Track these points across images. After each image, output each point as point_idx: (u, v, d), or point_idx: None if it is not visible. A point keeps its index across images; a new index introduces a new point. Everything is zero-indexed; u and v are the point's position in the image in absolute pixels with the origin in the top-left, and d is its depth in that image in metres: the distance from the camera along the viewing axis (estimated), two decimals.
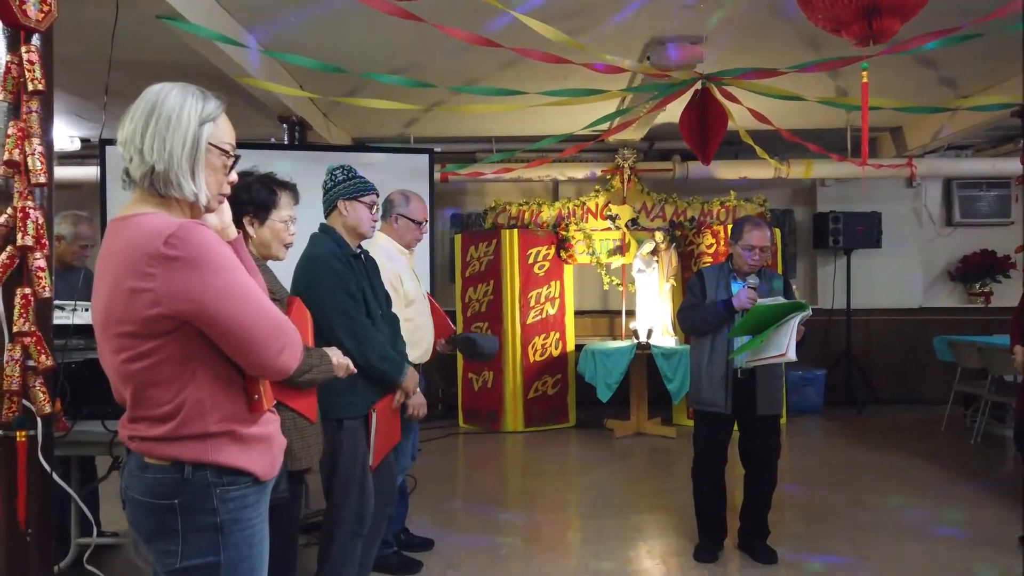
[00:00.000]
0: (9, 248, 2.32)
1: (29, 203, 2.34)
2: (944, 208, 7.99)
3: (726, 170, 7.22)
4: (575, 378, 6.75)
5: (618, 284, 7.06)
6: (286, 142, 5.95)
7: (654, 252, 6.58)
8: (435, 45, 4.63)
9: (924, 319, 7.73)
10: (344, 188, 2.82)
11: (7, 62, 2.35)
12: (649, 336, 6.43)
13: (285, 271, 2.62)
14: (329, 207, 2.86)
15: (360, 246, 2.91)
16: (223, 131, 1.56)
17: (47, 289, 2.37)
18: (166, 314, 1.41)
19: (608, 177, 7.07)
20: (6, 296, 2.33)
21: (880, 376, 7.65)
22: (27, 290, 2.34)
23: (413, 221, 3.42)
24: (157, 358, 1.45)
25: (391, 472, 3.06)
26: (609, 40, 4.60)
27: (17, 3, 2.29)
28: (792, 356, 3.18)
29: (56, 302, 2.59)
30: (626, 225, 6.88)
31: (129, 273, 1.42)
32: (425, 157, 6.18)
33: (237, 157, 1.61)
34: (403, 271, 3.35)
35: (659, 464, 5.60)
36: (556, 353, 6.78)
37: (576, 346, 6.83)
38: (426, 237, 3.61)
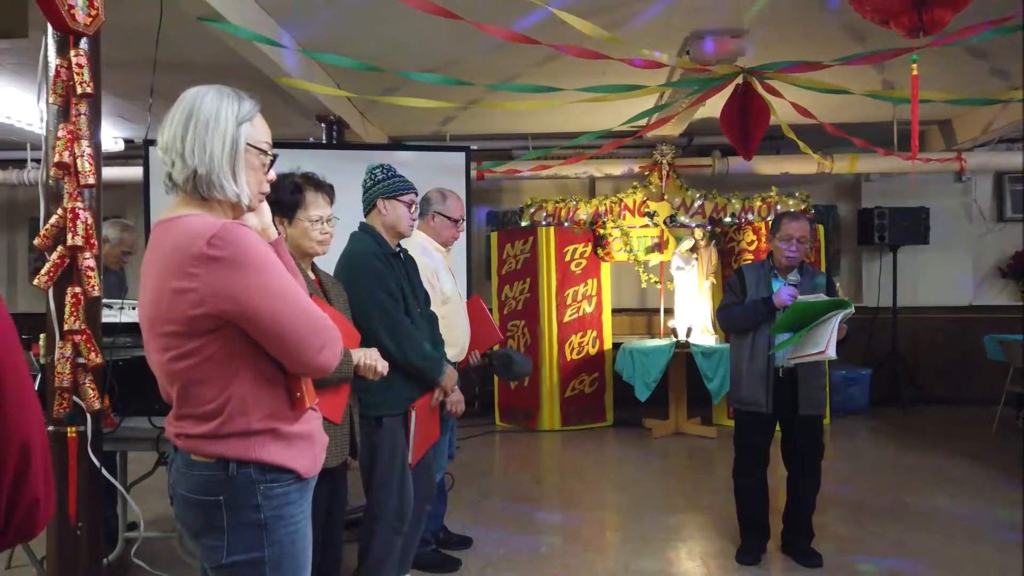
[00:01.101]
0: (60, 248, 2.38)
1: (78, 204, 2.39)
2: (995, 203, 7.75)
3: (767, 165, 7.10)
4: (612, 377, 6.71)
5: (656, 282, 6.99)
6: (324, 141, 6.00)
7: (693, 249, 6.51)
8: (471, 43, 4.63)
9: (974, 317, 7.52)
10: (383, 187, 2.84)
11: (57, 66, 2.40)
12: (688, 334, 6.36)
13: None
14: (368, 206, 2.88)
15: (399, 244, 2.92)
16: (260, 131, 1.58)
17: (96, 288, 2.42)
18: (209, 313, 1.43)
19: (646, 173, 7.00)
20: (57, 295, 2.38)
21: (927, 376, 7.46)
22: (77, 289, 2.39)
23: (450, 219, 3.43)
24: (201, 357, 1.47)
25: (430, 470, 3.07)
26: (647, 34, 4.55)
27: (66, 8, 2.34)
28: (832, 354, 3.13)
29: (104, 300, 2.65)
30: (664, 222, 6.80)
31: (174, 274, 1.44)
32: (461, 155, 6.18)
33: (275, 156, 1.62)
34: (440, 268, 3.36)
35: (699, 464, 5.53)
36: (593, 351, 6.74)
37: (613, 344, 6.78)
38: (462, 235, 3.61)
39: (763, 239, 6.43)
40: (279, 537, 1.55)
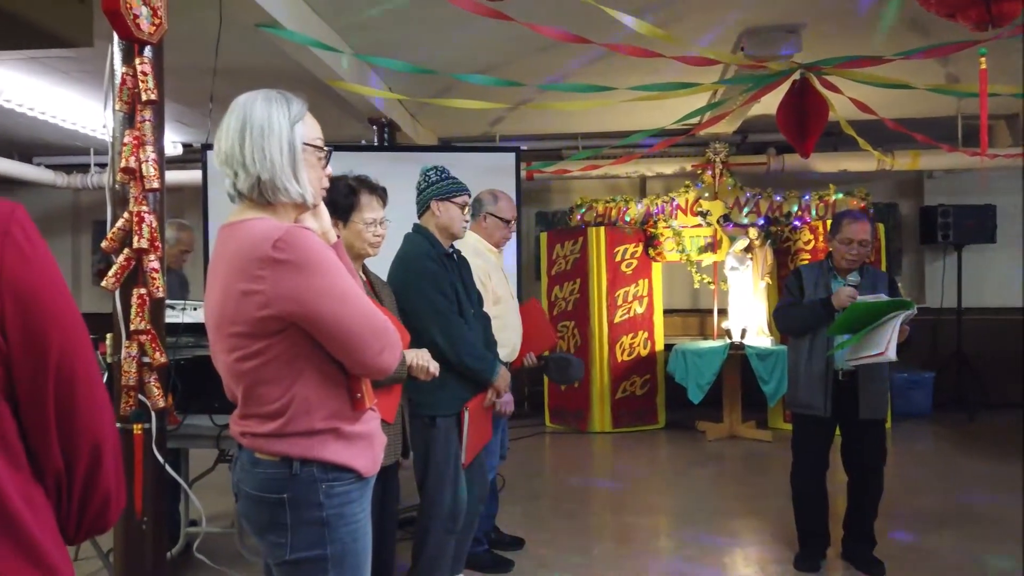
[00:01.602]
0: (126, 251, 2.44)
1: (144, 207, 2.46)
2: None
3: (825, 163, 6.93)
4: (664, 378, 6.63)
5: (709, 282, 6.88)
6: (375, 143, 6.07)
7: (748, 249, 6.38)
8: (522, 43, 4.63)
9: None
10: (437, 189, 2.85)
11: (123, 74, 2.47)
12: (743, 336, 6.25)
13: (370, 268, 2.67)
14: (422, 207, 2.90)
15: (452, 245, 2.93)
16: (312, 128, 1.61)
17: (160, 289, 2.49)
18: (275, 315, 1.46)
19: (699, 172, 6.91)
20: (123, 296, 2.45)
21: (994, 379, 7.18)
22: (142, 290, 2.45)
23: (502, 219, 3.43)
24: (266, 357, 1.49)
25: (483, 470, 3.08)
26: (701, 31, 4.49)
27: (132, 18, 2.41)
28: (892, 356, 3.03)
29: (167, 301, 2.72)
30: (718, 221, 6.70)
31: (240, 276, 1.47)
32: (511, 155, 6.18)
33: (330, 150, 1.65)
34: (492, 269, 3.37)
35: (754, 468, 5.43)
36: (644, 353, 6.67)
37: (665, 346, 6.70)
38: (512, 236, 3.61)
39: (820, 238, 6.27)
40: (340, 535, 1.57)
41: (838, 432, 3.47)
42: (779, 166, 7.03)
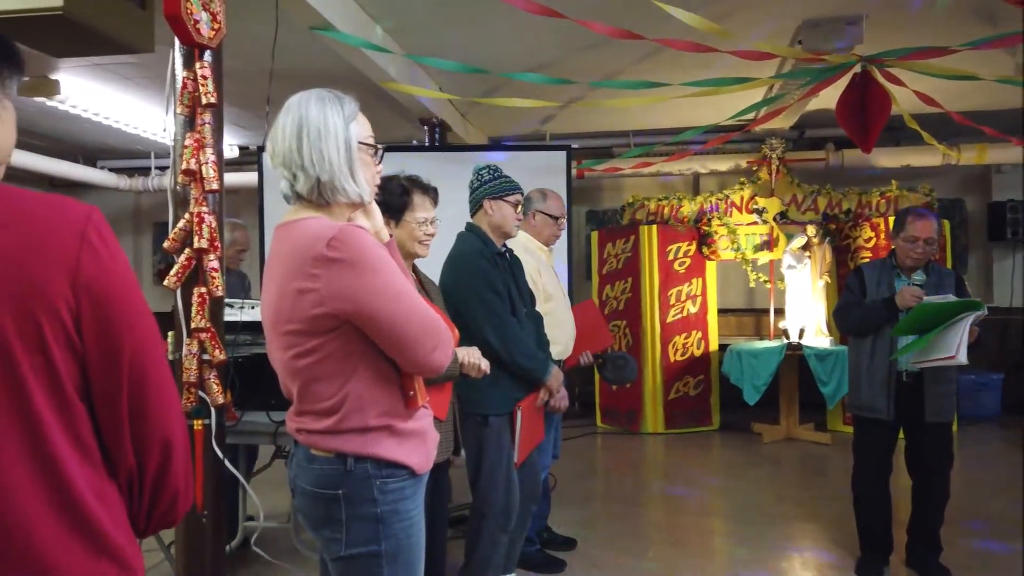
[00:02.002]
0: (187, 251, 2.50)
1: (204, 208, 2.51)
2: None
3: (887, 158, 6.72)
4: (718, 379, 6.51)
5: (766, 281, 6.73)
6: (426, 143, 6.11)
7: (806, 247, 6.22)
8: (572, 40, 4.59)
9: None
10: (490, 188, 2.86)
11: (184, 78, 2.53)
12: (801, 336, 6.10)
13: (422, 267, 2.68)
14: (475, 206, 2.90)
15: (505, 244, 2.93)
16: (364, 126, 1.62)
17: (219, 288, 2.54)
18: (329, 313, 1.47)
19: (754, 169, 6.77)
20: (184, 295, 2.51)
21: None
22: (203, 289, 2.51)
23: (551, 217, 3.43)
24: (321, 355, 1.51)
25: (535, 469, 3.07)
26: (756, 25, 4.39)
27: (192, 23, 2.46)
28: (963, 359, 2.91)
29: (226, 300, 2.77)
30: (774, 219, 6.54)
31: (295, 275, 1.48)
32: (562, 154, 6.15)
33: (383, 147, 1.66)
34: (542, 266, 3.36)
35: (813, 471, 5.30)
36: (698, 353, 6.57)
37: (720, 346, 6.58)
38: (563, 235, 3.60)
39: (882, 236, 6.09)
40: (395, 531, 1.58)
41: (901, 435, 3.36)
42: (838, 162, 6.84)
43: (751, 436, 6.24)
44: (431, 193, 2.47)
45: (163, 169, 7.51)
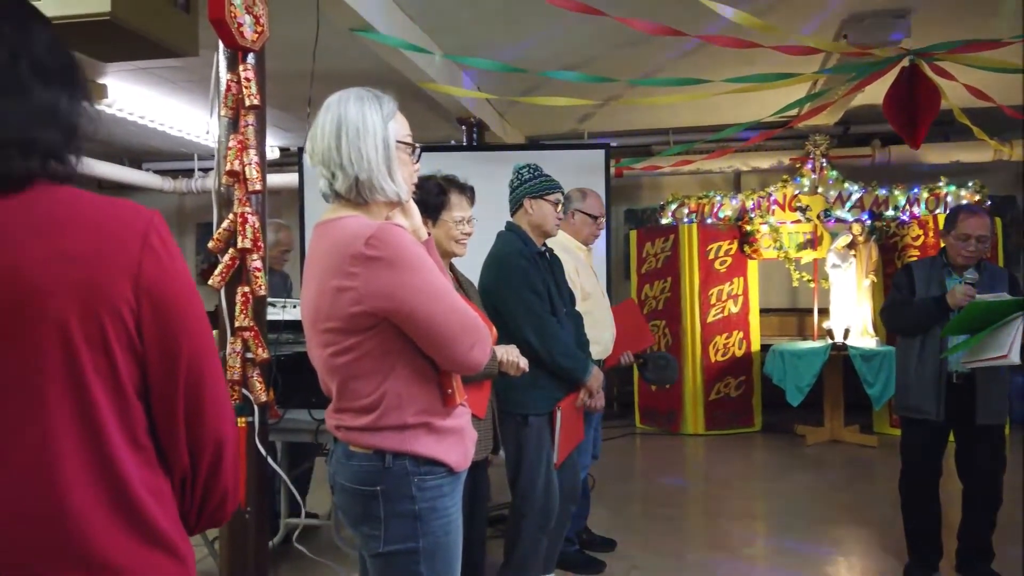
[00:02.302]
0: (231, 250, 2.54)
1: (247, 209, 2.55)
2: None
3: (935, 154, 6.54)
4: (760, 380, 6.41)
5: (809, 280, 6.60)
6: (464, 143, 6.13)
7: (851, 245, 6.09)
8: (611, 38, 4.56)
9: None
10: (530, 187, 2.85)
11: (228, 81, 2.56)
12: (846, 336, 5.98)
13: (460, 267, 2.68)
14: (515, 205, 2.90)
15: (545, 244, 2.92)
16: (402, 125, 1.62)
17: (262, 287, 2.57)
18: (367, 311, 1.48)
19: (797, 166, 6.64)
20: (228, 294, 2.55)
21: None
22: (246, 288, 2.54)
23: (590, 216, 3.41)
24: (360, 352, 1.52)
25: (575, 469, 3.05)
26: (800, 19, 4.31)
27: (236, 26, 2.50)
28: (1015, 359, 2.83)
29: (268, 299, 2.81)
30: (818, 217, 6.41)
31: (334, 273, 1.49)
32: (600, 152, 6.11)
33: (420, 146, 1.66)
34: (580, 265, 3.34)
35: (859, 475, 5.18)
36: (739, 353, 6.48)
37: (762, 346, 6.48)
38: (601, 234, 3.57)
39: (931, 234, 5.93)
40: (433, 528, 1.58)
41: (951, 438, 3.27)
42: (885, 158, 6.69)
43: (794, 438, 6.12)
44: (468, 192, 2.48)
45: (206, 171, 7.65)
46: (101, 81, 5.22)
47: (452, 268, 2.61)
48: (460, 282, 2.61)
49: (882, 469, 5.08)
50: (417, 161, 1.67)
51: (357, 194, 1.56)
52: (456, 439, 1.63)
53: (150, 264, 0.92)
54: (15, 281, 0.86)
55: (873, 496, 4.50)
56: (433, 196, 2.40)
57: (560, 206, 2.91)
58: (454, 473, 1.62)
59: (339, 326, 1.51)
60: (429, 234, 1.77)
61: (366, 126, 1.54)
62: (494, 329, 2.40)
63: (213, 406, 0.99)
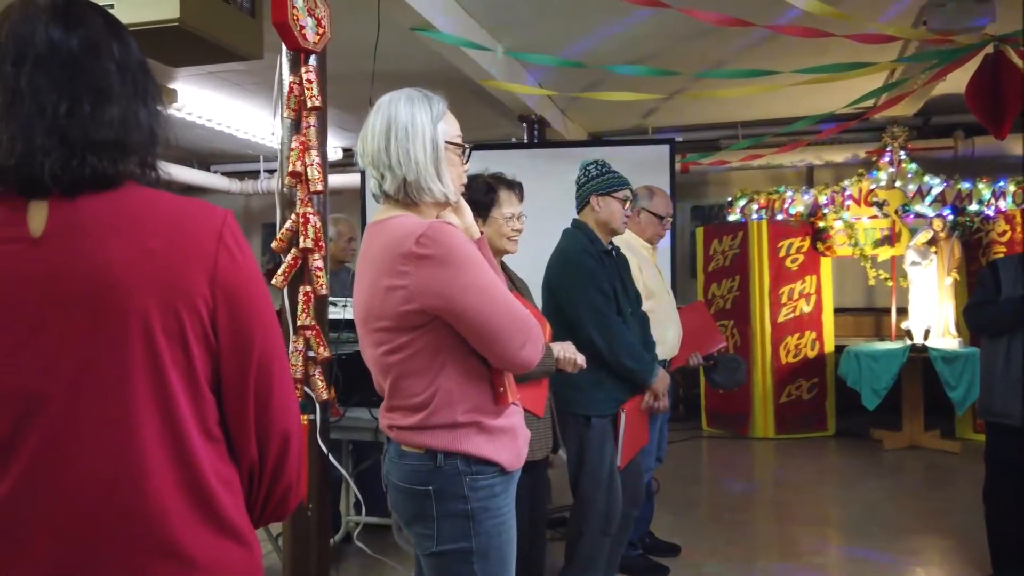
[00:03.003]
0: (293, 250, 2.57)
1: (309, 209, 2.58)
2: None
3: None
4: (834, 382, 6.18)
5: (887, 279, 6.33)
6: (525, 141, 6.10)
7: (931, 242, 5.80)
8: (675, 30, 4.46)
9: None
10: (597, 183, 2.80)
11: (290, 83, 2.60)
12: (926, 337, 5.70)
13: (523, 265, 2.65)
14: (582, 202, 2.85)
15: (612, 242, 2.87)
16: (452, 126, 1.61)
17: (324, 287, 2.60)
18: (419, 309, 1.48)
19: (873, 159, 6.37)
20: (291, 293, 2.58)
21: None
22: (308, 288, 2.57)
23: (656, 216, 3.34)
24: (411, 351, 1.52)
25: (639, 473, 2.99)
26: (877, 7, 4.12)
27: (298, 28, 2.53)
28: None
29: (330, 298, 2.84)
30: (896, 212, 6.14)
31: (385, 272, 1.50)
32: (665, 148, 5.99)
33: (469, 147, 1.65)
34: (644, 264, 3.28)
35: (939, 482, 4.94)
36: (812, 354, 6.26)
37: (836, 347, 6.24)
38: (666, 233, 3.49)
39: (1018, 229, 5.61)
40: (485, 528, 1.57)
41: None
42: (968, 150, 6.36)
43: (870, 443, 5.88)
44: (516, 189, 2.45)
45: (271, 172, 7.85)
46: (171, 86, 5.39)
47: (504, 266, 2.58)
48: (512, 279, 2.58)
49: (965, 477, 4.82)
50: (467, 161, 1.66)
51: (405, 195, 1.56)
52: (508, 438, 1.61)
53: (225, 261, 0.96)
54: (104, 277, 0.91)
55: (955, 505, 4.27)
56: (482, 194, 2.39)
57: (629, 203, 2.84)
58: (506, 473, 1.61)
59: (390, 325, 1.51)
60: (482, 232, 1.75)
61: (415, 127, 1.54)
62: (547, 325, 2.38)
63: (281, 400, 1.02)
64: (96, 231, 0.92)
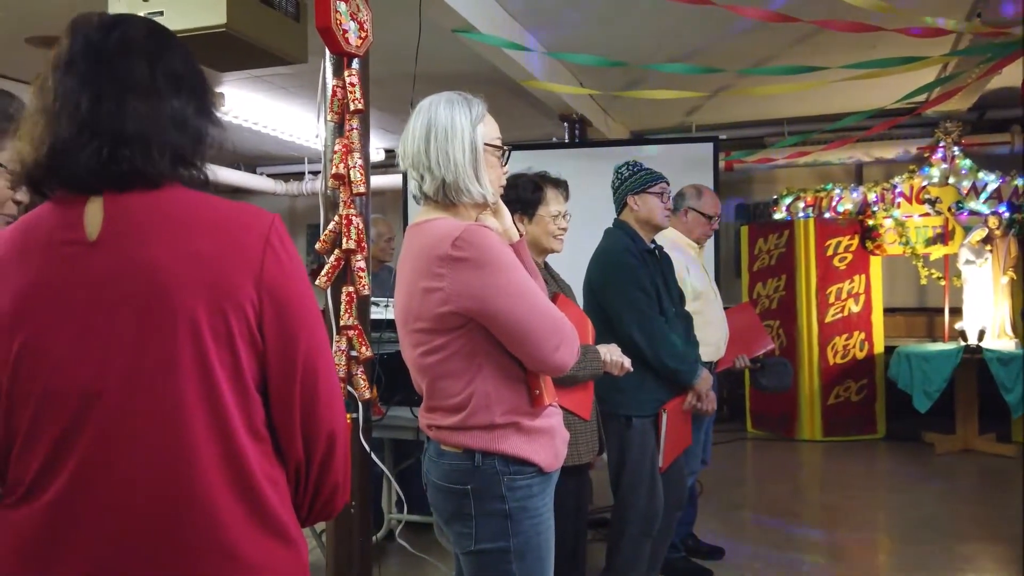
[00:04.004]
0: (336, 251, 2.61)
1: (351, 211, 2.61)
2: None
3: None
4: (884, 384, 6.02)
5: (939, 278, 6.15)
6: (567, 140, 6.07)
7: (986, 240, 5.62)
8: (718, 27, 4.40)
9: None
10: (631, 183, 2.79)
11: (333, 86, 2.63)
12: (980, 338, 5.53)
13: (565, 265, 2.64)
14: (620, 205, 2.84)
15: (655, 241, 2.84)
16: (492, 128, 1.63)
17: (366, 287, 2.63)
18: (455, 311, 1.49)
19: (925, 155, 6.20)
20: (334, 294, 2.62)
21: None
22: (350, 288, 2.60)
23: (704, 215, 3.31)
24: (448, 352, 1.54)
25: (681, 475, 2.96)
26: None
27: (341, 33, 2.56)
28: None
29: (372, 298, 2.87)
30: (949, 209, 5.96)
31: (423, 274, 1.52)
32: (708, 146, 5.91)
33: (508, 148, 1.66)
34: (691, 264, 3.24)
35: (994, 486, 4.78)
36: (861, 355, 6.11)
37: (886, 348, 6.08)
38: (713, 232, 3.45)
39: None
40: (523, 528, 1.58)
41: None
42: None
43: (921, 446, 5.72)
44: (562, 187, 2.45)
45: (315, 174, 7.97)
46: (219, 90, 5.51)
47: (547, 267, 2.58)
48: (557, 282, 2.58)
49: (1021, 481, 4.67)
50: (506, 163, 1.67)
51: (444, 196, 1.58)
52: (546, 439, 1.62)
53: (271, 264, 0.98)
54: (153, 279, 0.94)
55: (1011, 510, 4.13)
56: (528, 193, 2.39)
57: (667, 196, 2.81)
58: (544, 473, 1.62)
59: (428, 326, 1.53)
60: (521, 235, 1.76)
61: (454, 129, 1.56)
62: (591, 327, 2.37)
63: (327, 400, 1.03)
64: (146, 234, 0.95)
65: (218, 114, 1.06)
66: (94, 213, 0.96)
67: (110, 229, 0.95)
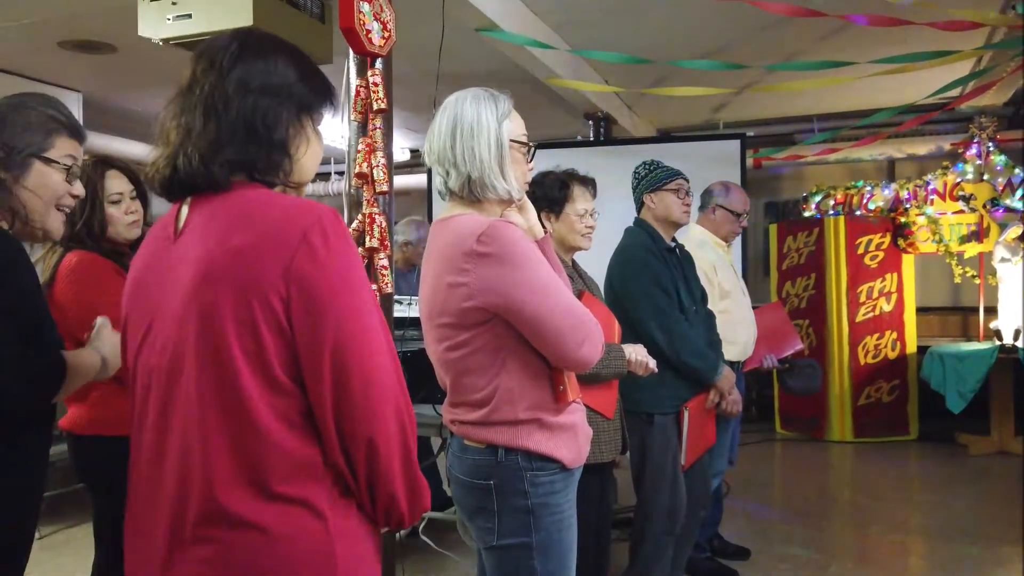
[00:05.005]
0: (360, 250, 2.63)
1: (375, 209, 2.63)
2: None
3: None
4: (917, 384, 5.92)
5: (974, 276, 6.02)
6: (592, 139, 6.05)
7: (1022, 237, 5.50)
8: (744, 22, 4.35)
9: None
10: (647, 182, 2.79)
11: (357, 86, 2.66)
12: (1016, 337, 5.41)
13: (590, 263, 2.64)
14: (638, 204, 2.85)
15: (675, 239, 2.83)
16: (518, 124, 1.63)
17: (389, 285, 2.65)
18: (479, 306, 1.50)
19: (959, 151, 6.08)
20: None
21: None
22: (374, 286, 2.63)
23: (732, 212, 3.28)
24: (472, 347, 1.54)
25: (705, 474, 2.94)
26: None
27: (365, 33, 2.58)
28: None
29: (395, 297, 2.89)
30: (984, 206, 5.83)
31: (447, 269, 1.53)
32: (736, 143, 5.87)
33: (534, 145, 1.67)
34: (718, 262, 3.21)
35: None
36: (893, 355, 6.01)
37: (919, 348, 5.98)
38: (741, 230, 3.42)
39: None
40: (545, 524, 1.59)
41: None
42: None
43: (955, 448, 5.61)
44: (590, 185, 2.45)
45: (341, 174, 8.03)
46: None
47: (575, 264, 2.57)
48: (584, 279, 2.57)
49: None
50: (532, 160, 1.68)
51: (469, 192, 1.59)
52: (569, 436, 1.62)
53: (303, 256, 0.99)
54: (194, 268, 1.02)
55: None
56: (556, 190, 2.39)
57: (683, 191, 2.79)
58: (567, 470, 1.62)
59: (452, 321, 1.54)
60: (546, 231, 1.76)
61: (480, 125, 1.57)
62: (617, 325, 2.36)
63: (364, 403, 1.00)
64: (206, 230, 1.04)
65: (293, 121, 1.11)
66: (184, 213, 1.10)
67: (187, 226, 1.07)
